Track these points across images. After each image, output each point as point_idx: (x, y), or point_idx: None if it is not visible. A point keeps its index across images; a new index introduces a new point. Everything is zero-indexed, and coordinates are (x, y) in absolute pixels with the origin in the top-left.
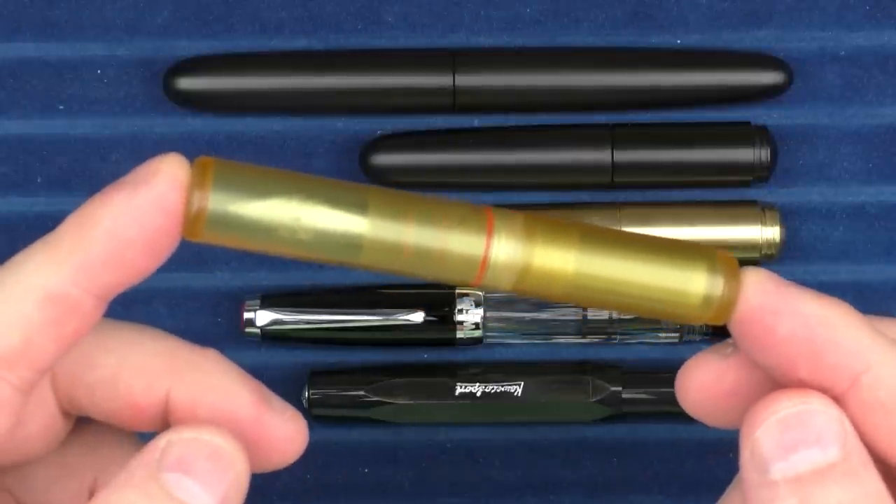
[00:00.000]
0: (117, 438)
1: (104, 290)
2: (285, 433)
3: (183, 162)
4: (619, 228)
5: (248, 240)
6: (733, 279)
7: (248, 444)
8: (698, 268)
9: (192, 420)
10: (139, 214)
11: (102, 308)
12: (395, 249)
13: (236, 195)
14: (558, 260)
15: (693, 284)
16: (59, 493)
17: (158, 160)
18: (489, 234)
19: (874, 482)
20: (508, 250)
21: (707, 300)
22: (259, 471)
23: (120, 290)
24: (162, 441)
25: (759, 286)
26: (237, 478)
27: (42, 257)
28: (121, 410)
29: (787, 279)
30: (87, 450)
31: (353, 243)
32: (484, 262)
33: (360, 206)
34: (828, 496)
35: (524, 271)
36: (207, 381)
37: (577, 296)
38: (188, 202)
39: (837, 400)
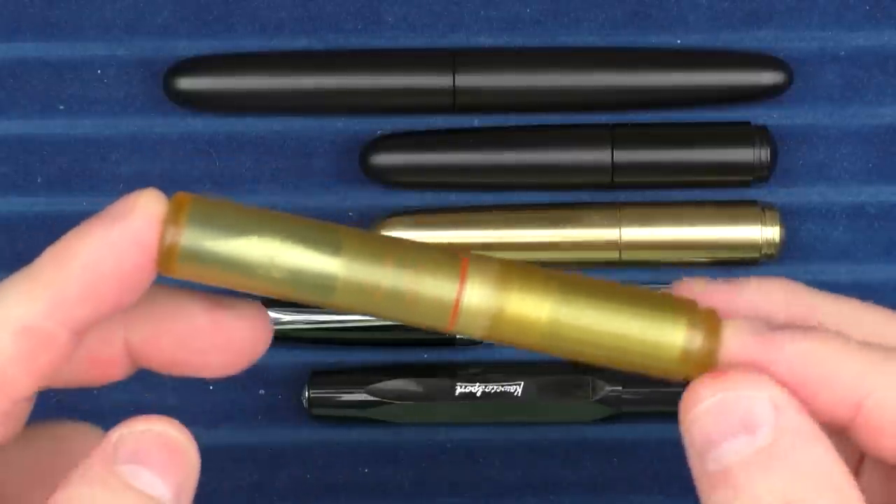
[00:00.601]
0: (85, 437)
1: (79, 323)
2: (248, 325)
3: (160, 197)
4: (598, 278)
5: (221, 277)
6: (713, 334)
7: (218, 348)
8: (678, 321)
9: (160, 354)
10: (115, 250)
11: (77, 341)
12: (369, 291)
13: (210, 232)
14: (532, 308)
15: (671, 338)
16: (31, 498)
17: (136, 195)
18: (462, 279)
19: (813, 459)
20: (481, 296)
21: (685, 355)
22: (238, 369)
23: (95, 323)
24: (115, 435)
25: (737, 339)
26: (191, 466)
27: (18, 291)
28: (89, 371)
29: (787, 279)
30: (57, 452)
31: (326, 284)
32: (456, 307)
33: (334, 247)
34: (757, 485)
35: (497, 318)
36: (155, 311)
37: (552, 346)
38: (162, 238)
39: (847, 428)
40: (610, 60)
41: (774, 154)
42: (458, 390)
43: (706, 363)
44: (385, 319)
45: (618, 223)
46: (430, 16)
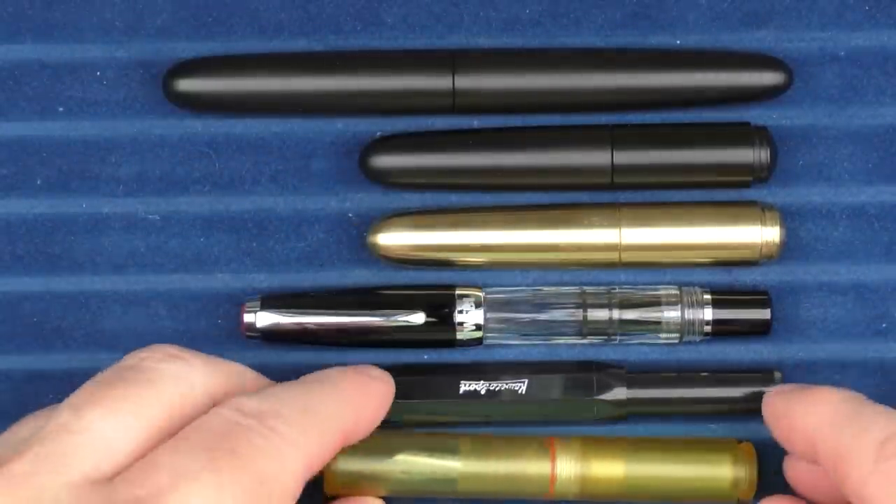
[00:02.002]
0: None
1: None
2: None
3: None
4: (657, 437)
5: (370, 488)
6: (752, 464)
7: None
8: (723, 461)
9: None
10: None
11: None
12: (483, 479)
13: (359, 460)
14: (610, 469)
15: (722, 474)
16: None
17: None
18: (552, 458)
19: None
20: (569, 468)
21: (735, 483)
22: None
23: None
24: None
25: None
26: None
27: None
28: None
29: (787, 279)
30: None
31: (451, 479)
32: (552, 478)
33: (452, 451)
34: None
35: (584, 481)
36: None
37: (632, 494)
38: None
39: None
40: (609, 61)
41: (774, 154)
42: (462, 388)
43: (752, 487)
44: (498, 498)
45: (618, 224)
46: (430, 16)
